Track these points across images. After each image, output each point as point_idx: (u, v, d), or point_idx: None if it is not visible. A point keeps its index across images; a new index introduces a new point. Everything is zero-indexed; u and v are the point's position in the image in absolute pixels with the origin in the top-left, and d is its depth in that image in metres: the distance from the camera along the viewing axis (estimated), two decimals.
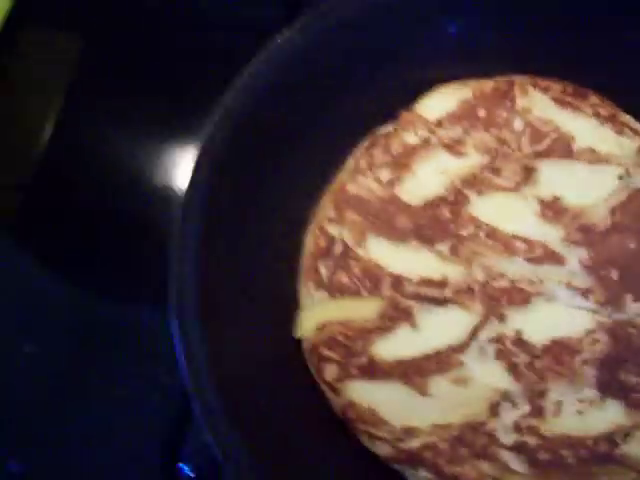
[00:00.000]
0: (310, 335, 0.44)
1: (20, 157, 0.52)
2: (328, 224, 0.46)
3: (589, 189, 0.46)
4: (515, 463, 0.41)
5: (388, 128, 0.49)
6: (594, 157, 0.47)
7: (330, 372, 0.43)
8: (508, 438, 0.42)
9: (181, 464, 0.46)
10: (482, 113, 0.48)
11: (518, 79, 0.49)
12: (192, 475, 0.46)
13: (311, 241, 0.46)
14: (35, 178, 0.52)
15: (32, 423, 0.45)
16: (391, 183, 0.46)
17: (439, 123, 0.48)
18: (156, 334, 0.42)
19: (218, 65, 0.48)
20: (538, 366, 0.42)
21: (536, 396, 0.42)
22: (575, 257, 0.45)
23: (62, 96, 0.54)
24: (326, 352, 0.43)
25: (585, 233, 0.45)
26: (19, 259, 0.50)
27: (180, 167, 0.53)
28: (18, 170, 0.52)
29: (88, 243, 0.50)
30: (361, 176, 0.47)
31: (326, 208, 0.47)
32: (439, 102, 0.49)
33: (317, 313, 0.44)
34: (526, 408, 0.42)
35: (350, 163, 0.48)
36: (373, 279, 0.44)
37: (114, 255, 0.49)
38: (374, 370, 0.42)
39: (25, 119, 0.54)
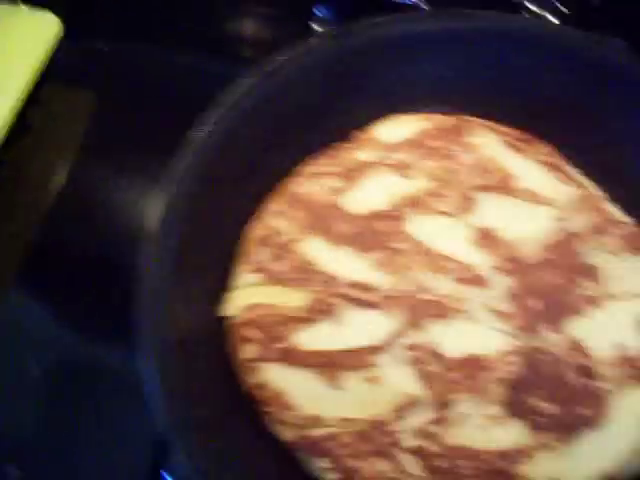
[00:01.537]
0: (235, 314, 0.46)
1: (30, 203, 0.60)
2: (271, 216, 0.49)
3: (525, 225, 0.49)
4: (412, 466, 0.43)
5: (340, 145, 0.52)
6: (533, 198, 0.49)
7: (248, 352, 0.45)
8: (410, 442, 0.43)
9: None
10: (435, 144, 0.51)
11: (477, 120, 0.53)
12: None
13: (252, 229, 0.49)
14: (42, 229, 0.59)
15: (31, 434, 0.51)
16: (336, 191, 0.49)
17: (392, 147, 0.51)
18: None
19: None
20: (449, 378, 0.44)
21: (443, 406, 0.43)
22: (502, 284, 0.47)
23: (77, 145, 0.61)
24: (248, 332, 0.45)
25: (515, 264, 0.47)
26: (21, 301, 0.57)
27: None
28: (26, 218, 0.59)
29: (99, 295, 0.56)
30: (308, 181, 0.50)
31: (271, 203, 0.50)
32: (395, 128, 0.52)
33: (247, 294, 0.47)
34: (431, 416, 0.43)
35: (298, 170, 0.51)
36: (306, 273, 0.47)
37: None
38: (292, 357, 0.44)
39: (39, 165, 0.61)
